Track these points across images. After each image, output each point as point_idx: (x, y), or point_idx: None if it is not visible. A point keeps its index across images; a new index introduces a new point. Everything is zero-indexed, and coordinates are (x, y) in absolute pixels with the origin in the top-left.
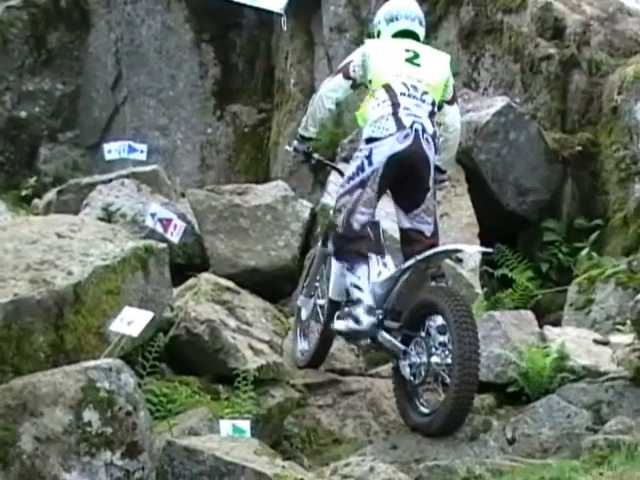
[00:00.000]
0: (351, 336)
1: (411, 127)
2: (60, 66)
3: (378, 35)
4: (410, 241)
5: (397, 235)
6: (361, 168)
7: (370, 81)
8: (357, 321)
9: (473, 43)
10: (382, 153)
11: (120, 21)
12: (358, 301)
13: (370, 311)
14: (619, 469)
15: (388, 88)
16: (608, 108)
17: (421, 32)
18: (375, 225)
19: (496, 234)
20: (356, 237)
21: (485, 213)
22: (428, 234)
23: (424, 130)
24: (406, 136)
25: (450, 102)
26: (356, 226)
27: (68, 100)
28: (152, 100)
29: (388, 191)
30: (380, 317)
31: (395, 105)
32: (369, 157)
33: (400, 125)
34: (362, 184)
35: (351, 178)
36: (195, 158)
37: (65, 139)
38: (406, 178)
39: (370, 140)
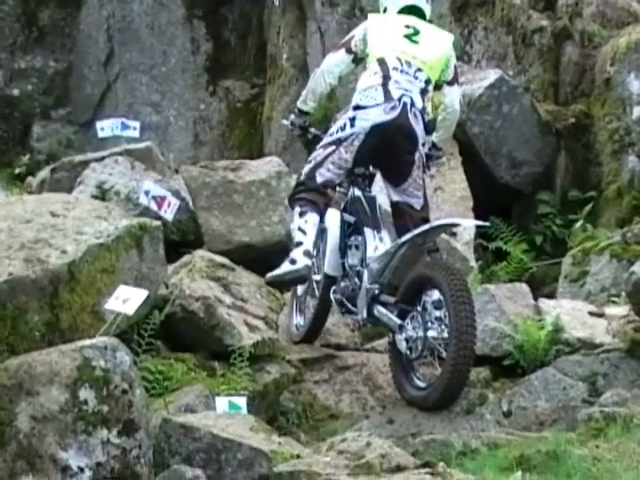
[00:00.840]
0: (284, 279)
1: (399, 100)
2: (52, 43)
3: (384, 11)
4: (400, 214)
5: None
6: (342, 127)
7: (367, 55)
8: (293, 262)
9: (465, 16)
10: (366, 120)
11: None
12: (299, 244)
13: (307, 254)
14: (615, 441)
15: (381, 61)
16: (601, 80)
17: (427, 9)
18: (372, 200)
19: (490, 207)
20: (315, 189)
21: (479, 186)
22: (418, 207)
23: (413, 104)
24: (393, 107)
25: (450, 83)
26: (319, 179)
27: (60, 77)
28: (144, 76)
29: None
30: (376, 291)
31: (386, 77)
32: (352, 120)
33: (388, 96)
34: (338, 142)
35: (330, 135)
36: (188, 134)
37: (58, 116)
38: (390, 150)
39: (357, 107)
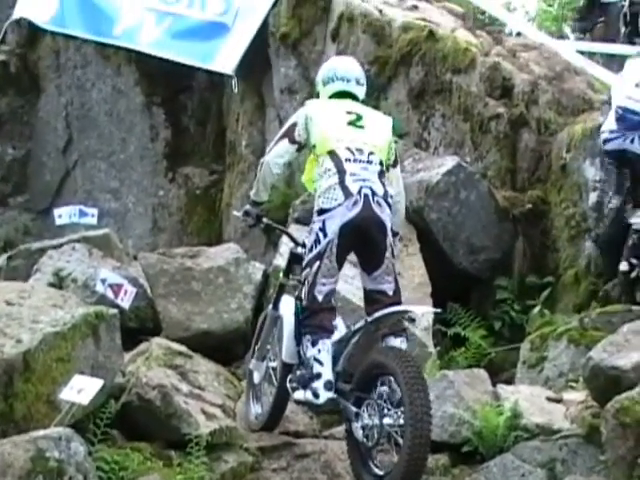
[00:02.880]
0: (309, 408)
1: (359, 193)
2: (10, 131)
3: (317, 96)
4: (372, 301)
5: (350, 296)
6: (317, 241)
7: (314, 146)
8: (316, 395)
9: (423, 103)
10: (334, 224)
11: (70, 85)
12: (318, 375)
13: (328, 386)
14: None
15: (333, 155)
16: (557, 166)
17: (359, 92)
18: None
19: (449, 292)
20: (319, 309)
21: (437, 272)
22: (390, 293)
23: (374, 193)
24: (355, 203)
25: (394, 165)
26: (319, 297)
27: (18, 164)
28: (103, 163)
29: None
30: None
31: (341, 172)
32: (323, 229)
33: (348, 193)
34: (319, 256)
35: (310, 251)
36: (147, 220)
37: (16, 203)
38: (363, 242)
39: (321, 211)
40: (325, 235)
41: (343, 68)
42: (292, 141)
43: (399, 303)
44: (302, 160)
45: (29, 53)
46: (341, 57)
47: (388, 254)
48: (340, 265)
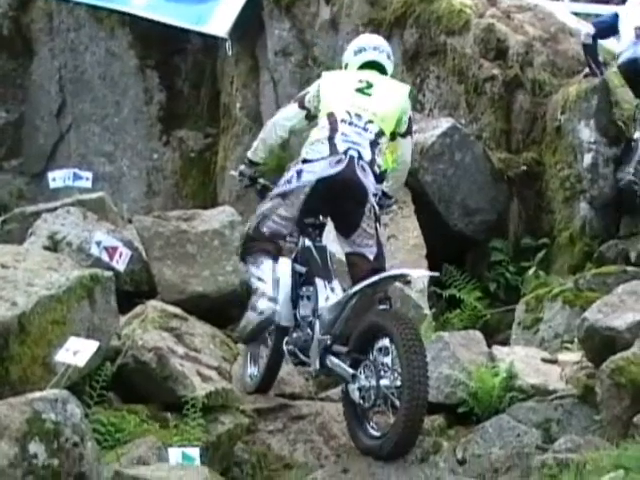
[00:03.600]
0: (255, 329)
1: (345, 153)
2: (3, 94)
3: (346, 67)
4: (353, 265)
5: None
6: (288, 181)
7: (319, 110)
8: (260, 312)
9: (417, 65)
10: (312, 174)
11: (64, 48)
12: (260, 293)
13: (271, 300)
14: None
15: (330, 115)
16: (552, 127)
17: (388, 65)
18: (322, 250)
19: (444, 254)
20: (262, 239)
21: (432, 234)
22: (371, 257)
23: (360, 157)
24: (339, 161)
25: (403, 135)
26: (265, 230)
27: (12, 128)
28: (97, 127)
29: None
30: (328, 342)
31: (333, 130)
32: (299, 173)
33: (334, 150)
34: (284, 195)
35: (276, 186)
36: (142, 184)
37: (10, 167)
38: (338, 202)
39: (304, 161)
40: (299, 179)
41: (375, 40)
42: (301, 106)
43: (382, 269)
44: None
45: (22, 16)
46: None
47: (366, 219)
48: (301, 218)
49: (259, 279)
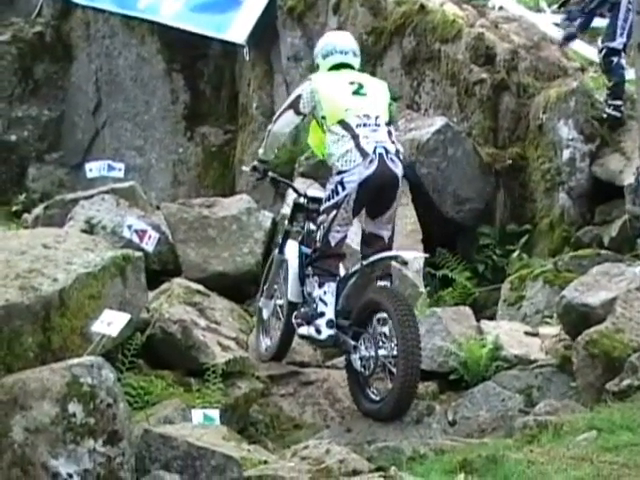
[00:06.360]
0: (311, 343)
1: (374, 152)
2: (46, 94)
3: (317, 68)
4: (369, 243)
5: (348, 241)
6: (335, 192)
7: (324, 117)
8: (318, 332)
9: (415, 69)
10: (353, 181)
11: (99, 53)
12: (322, 314)
13: (330, 324)
14: (547, 446)
15: (343, 123)
16: (534, 126)
17: (355, 62)
18: None
19: (437, 239)
20: (330, 254)
21: (427, 220)
22: (386, 239)
23: (387, 151)
24: (371, 161)
25: (388, 124)
26: (332, 242)
27: (53, 125)
28: (129, 124)
29: None
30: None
31: (355, 137)
32: (342, 183)
33: (364, 154)
34: (337, 206)
35: (327, 200)
36: (168, 175)
37: (51, 160)
38: (378, 194)
39: (340, 172)
40: (344, 188)
41: (341, 42)
42: (297, 112)
43: (390, 249)
44: (307, 121)
45: (62, 25)
46: (336, 32)
47: (395, 204)
48: (354, 216)
49: (322, 301)
